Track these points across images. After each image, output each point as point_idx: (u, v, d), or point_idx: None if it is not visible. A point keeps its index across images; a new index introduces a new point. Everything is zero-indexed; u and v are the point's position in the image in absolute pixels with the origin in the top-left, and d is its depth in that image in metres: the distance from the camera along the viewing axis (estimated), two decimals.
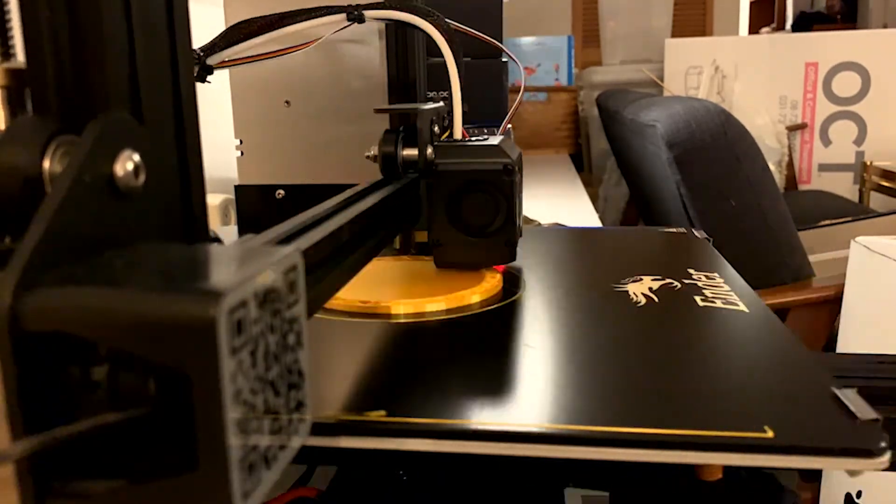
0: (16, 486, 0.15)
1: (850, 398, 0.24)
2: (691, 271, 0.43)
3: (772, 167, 1.42)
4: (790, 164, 2.05)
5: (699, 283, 0.40)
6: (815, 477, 0.97)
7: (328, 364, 0.31)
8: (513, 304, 0.38)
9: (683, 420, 0.24)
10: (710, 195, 1.12)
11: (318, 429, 0.24)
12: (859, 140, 2.03)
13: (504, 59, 0.93)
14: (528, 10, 2.21)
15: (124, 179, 0.17)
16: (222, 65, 0.36)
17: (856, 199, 1.97)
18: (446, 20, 0.41)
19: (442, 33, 0.40)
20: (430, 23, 0.39)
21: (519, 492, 0.29)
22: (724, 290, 0.39)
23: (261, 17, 0.37)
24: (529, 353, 0.31)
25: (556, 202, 1.19)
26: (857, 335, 0.96)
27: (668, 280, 0.41)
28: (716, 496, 0.27)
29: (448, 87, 0.44)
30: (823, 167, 2.07)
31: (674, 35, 2.33)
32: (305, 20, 0.37)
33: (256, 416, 0.16)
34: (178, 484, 0.15)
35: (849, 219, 1.51)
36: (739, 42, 2.20)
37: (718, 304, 0.37)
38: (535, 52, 1.99)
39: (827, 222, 1.49)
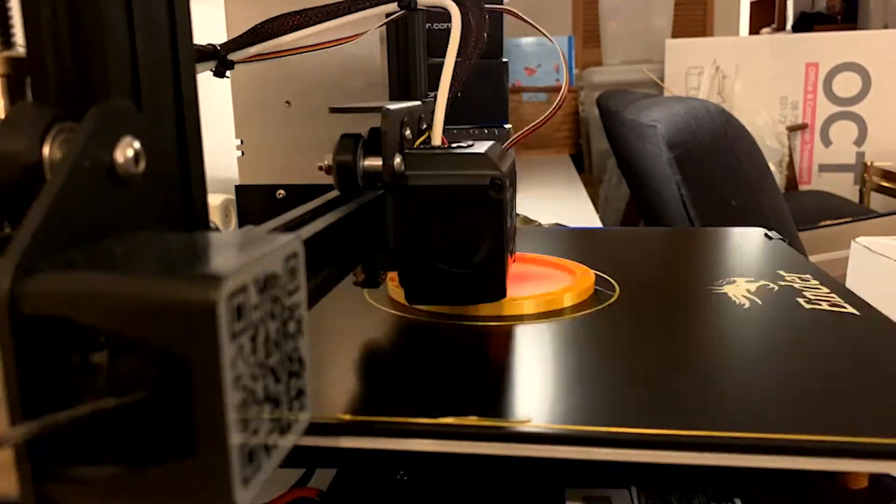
0: (15, 471, 0.15)
1: None
2: (782, 272, 0.42)
3: (772, 167, 1.42)
4: (791, 165, 2.05)
5: (795, 286, 0.40)
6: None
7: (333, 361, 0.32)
8: (610, 307, 0.37)
9: (825, 425, 0.23)
10: (711, 195, 1.12)
11: (319, 429, 0.24)
12: (860, 140, 2.03)
13: (504, 60, 0.93)
14: (529, 10, 2.20)
15: (124, 166, 0.17)
16: (251, 59, 0.34)
17: (856, 199, 1.97)
18: (485, 6, 0.37)
19: (465, 26, 0.36)
20: (462, 12, 0.35)
21: (519, 492, 0.29)
22: (824, 292, 0.38)
23: (298, 10, 0.33)
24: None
25: (556, 203, 1.18)
26: None
27: (763, 282, 0.40)
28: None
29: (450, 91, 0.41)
30: (824, 167, 2.07)
31: (674, 35, 2.33)
32: (355, 11, 0.33)
33: (257, 403, 0.16)
34: (177, 469, 0.15)
35: (849, 219, 1.50)
36: (740, 42, 2.20)
37: (824, 306, 0.36)
38: (536, 52, 1.99)
39: (827, 223, 1.49)
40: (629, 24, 2.36)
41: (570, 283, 0.39)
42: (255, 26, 0.34)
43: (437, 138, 0.34)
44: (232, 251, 0.16)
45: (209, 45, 0.33)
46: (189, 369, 0.14)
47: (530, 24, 0.42)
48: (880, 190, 1.87)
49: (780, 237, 0.52)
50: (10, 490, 0.14)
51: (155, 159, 0.18)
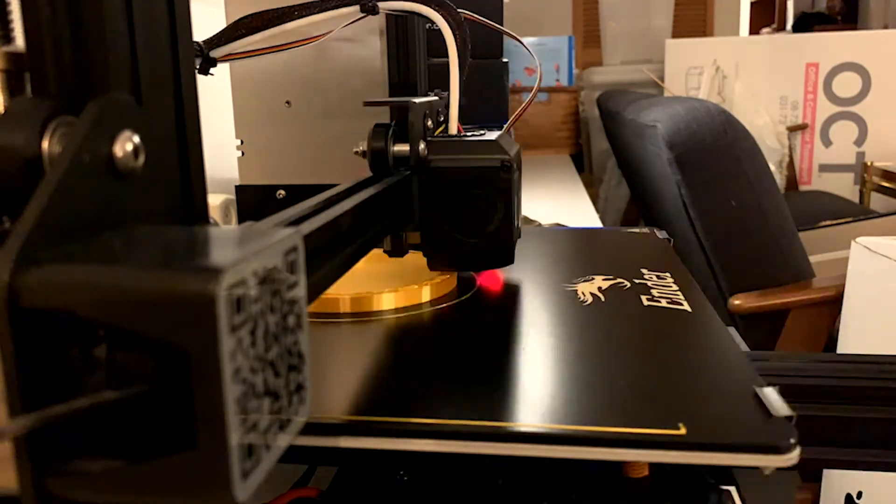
0: (14, 465, 0.15)
1: (769, 396, 0.25)
2: (644, 271, 0.43)
3: (772, 168, 1.42)
4: (791, 165, 2.05)
5: (648, 283, 0.41)
6: (815, 477, 0.97)
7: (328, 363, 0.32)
8: (464, 302, 0.39)
9: (605, 417, 0.24)
10: (711, 196, 1.12)
11: (319, 429, 0.24)
12: (860, 141, 2.03)
13: (504, 60, 0.93)
14: (529, 10, 2.21)
15: (123, 160, 0.17)
16: (228, 58, 0.35)
17: (856, 199, 1.97)
18: (459, 11, 0.40)
19: (451, 25, 0.39)
20: (441, 14, 0.38)
21: (520, 492, 0.29)
22: (672, 290, 0.39)
23: (271, 9, 0.36)
24: (464, 352, 0.32)
25: (556, 203, 1.19)
26: (858, 336, 0.96)
27: (619, 280, 0.41)
28: (641, 493, 0.27)
29: (448, 89, 0.43)
30: (824, 168, 2.07)
31: (674, 35, 2.33)
32: (318, 13, 0.36)
33: (256, 396, 0.16)
34: (177, 462, 0.15)
35: (849, 219, 1.51)
36: (740, 42, 2.20)
37: (663, 303, 0.37)
38: (536, 52, 1.99)
39: (827, 223, 1.49)
40: (629, 24, 2.36)
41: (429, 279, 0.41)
42: (232, 24, 0.35)
43: (453, 127, 0.40)
44: (232, 245, 0.16)
45: (194, 42, 0.34)
46: (189, 362, 0.14)
47: (502, 30, 0.45)
48: (880, 190, 1.87)
49: (667, 237, 0.53)
50: (9, 484, 0.14)
51: (154, 153, 0.18)
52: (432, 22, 0.39)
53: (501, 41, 0.95)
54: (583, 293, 0.39)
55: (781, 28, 2.90)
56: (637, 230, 0.56)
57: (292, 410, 0.18)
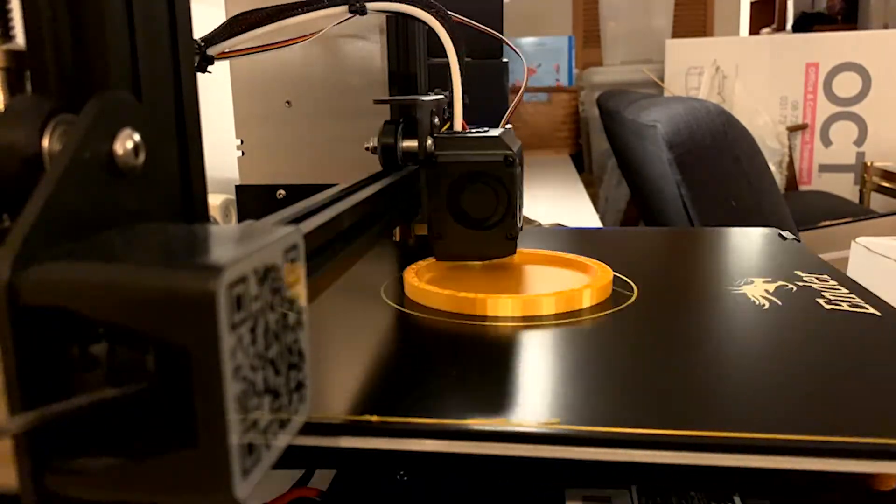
0: (14, 463, 0.15)
1: None
2: (799, 273, 0.42)
3: (772, 168, 1.42)
4: (791, 165, 2.05)
5: (813, 286, 0.39)
6: None
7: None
8: (628, 308, 0.37)
9: (852, 427, 0.23)
10: (711, 196, 1.12)
11: (319, 429, 0.24)
12: (860, 141, 2.03)
13: (504, 60, 0.93)
14: (529, 10, 2.21)
15: (124, 158, 0.17)
16: (223, 55, 0.36)
17: (856, 199, 1.97)
18: (448, 13, 0.41)
19: (443, 25, 0.40)
20: (432, 14, 0.39)
21: (520, 492, 0.28)
22: (844, 293, 0.38)
23: (262, 8, 0.36)
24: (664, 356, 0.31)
25: (556, 203, 1.19)
26: None
27: (781, 282, 0.40)
28: None
29: (448, 88, 0.43)
30: (824, 168, 2.07)
31: (674, 35, 2.33)
32: (307, 12, 0.37)
33: (256, 394, 0.16)
34: (177, 460, 0.15)
35: (849, 219, 1.50)
36: (740, 42, 2.20)
37: (844, 306, 0.36)
38: (536, 52, 1.99)
39: (827, 223, 1.49)
40: (629, 24, 2.36)
41: (587, 282, 0.39)
42: (228, 21, 0.36)
43: (458, 125, 0.42)
44: (232, 242, 0.16)
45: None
46: (189, 360, 0.14)
47: (490, 32, 0.48)
48: (880, 190, 1.87)
49: (795, 238, 0.51)
50: (9, 482, 0.14)
51: (155, 151, 0.18)
52: (424, 22, 0.40)
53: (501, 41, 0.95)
54: (754, 297, 0.38)
55: (781, 28, 2.90)
56: (758, 230, 0.54)
57: (292, 409, 0.18)
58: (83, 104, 0.16)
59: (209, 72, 0.35)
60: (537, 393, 0.27)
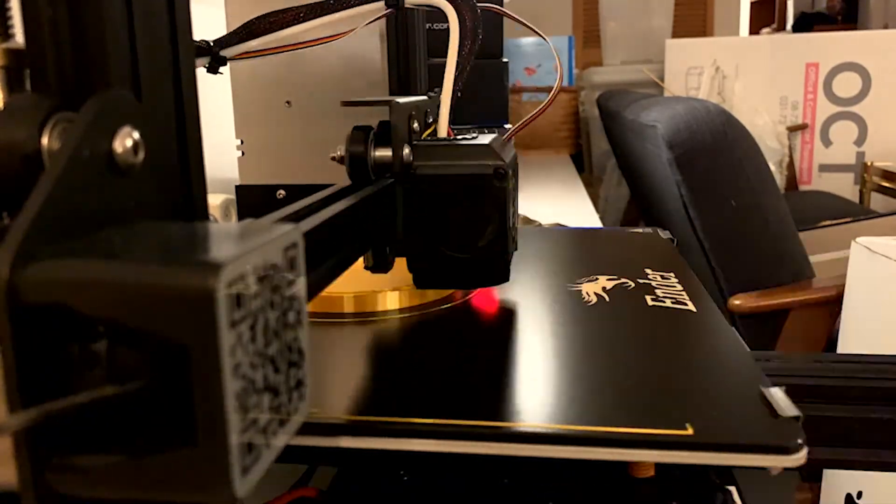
0: (14, 461, 0.14)
1: (776, 397, 0.25)
2: (648, 271, 0.43)
3: (772, 168, 1.42)
4: (791, 165, 2.05)
5: (653, 283, 0.41)
6: (815, 477, 0.97)
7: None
8: (467, 303, 0.38)
9: (611, 417, 0.24)
10: (711, 196, 1.12)
11: (319, 429, 0.24)
12: (860, 141, 2.03)
13: (505, 60, 0.93)
14: (529, 10, 2.21)
15: (123, 156, 0.17)
16: (242, 56, 0.35)
17: (856, 199, 1.97)
18: (477, 5, 0.37)
19: (463, 21, 0.37)
20: (456, 9, 0.36)
21: (525, 492, 0.29)
22: (677, 290, 0.39)
23: (291, 7, 0.34)
24: (469, 353, 0.32)
25: (556, 203, 1.19)
26: (858, 336, 0.96)
27: (624, 280, 0.41)
28: (647, 493, 0.27)
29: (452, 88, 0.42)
30: (824, 168, 2.07)
31: (674, 35, 2.33)
32: (341, 9, 0.34)
33: (256, 392, 0.16)
34: (177, 458, 0.15)
35: (849, 219, 1.51)
36: (740, 42, 2.20)
37: (668, 303, 0.37)
38: (536, 52, 1.99)
39: (827, 223, 1.49)
40: (629, 24, 2.36)
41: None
42: (247, 22, 0.34)
43: (442, 130, 0.37)
44: (231, 240, 0.16)
45: (202, 41, 0.33)
46: (188, 357, 0.14)
47: (522, 22, 0.43)
48: (880, 190, 1.87)
49: (670, 237, 0.53)
50: (9, 479, 0.14)
51: (154, 149, 0.18)
52: (442, 21, 0.37)
53: (501, 41, 0.95)
54: (587, 293, 0.39)
55: (781, 28, 2.91)
56: (640, 230, 0.56)
57: (292, 407, 0.18)
58: (83, 102, 0.16)
59: (220, 73, 0.34)
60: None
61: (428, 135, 0.37)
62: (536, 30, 0.44)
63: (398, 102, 0.33)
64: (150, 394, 0.15)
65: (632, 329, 0.35)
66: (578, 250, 0.54)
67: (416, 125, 0.35)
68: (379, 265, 0.34)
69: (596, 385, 0.28)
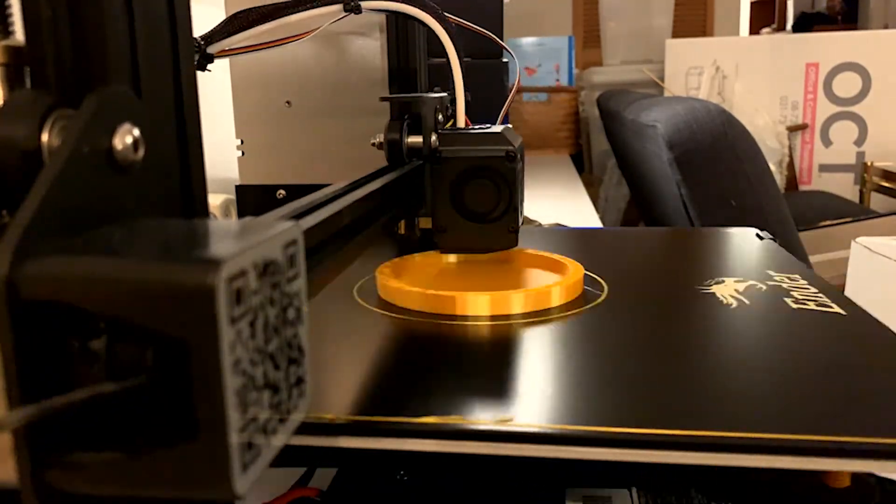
0: (14, 457, 0.14)
1: None
2: (771, 272, 0.42)
3: (772, 168, 1.42)
4: (791, 165, 2.05)
5: (784, 285, 0.40)
6: None
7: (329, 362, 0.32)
8: (598, 307, 0.37)
9: (815, 426, 0.23)
10: (711, 196, 1.12)
11: (319, 429, 0.24)
12: (860, 141, 2.03)
13: (504, 60, 0.93)
14: (529, 10, 2.21)
15: (123, 153, 0.17)
16: (223, 53, 0.36)
17: (856, 199, 1.97)
18: (444, 13, 0.41)
19: (439, 23, 0.40)
20: (428, 13, 0.40)
21: (520, 492, 0.29)
22: (812, 292, 0.38)
23: (260, 6, 0.37)
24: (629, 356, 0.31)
25: (556, 203, 1.19)
26: None
27: (752, 282, 0.40)
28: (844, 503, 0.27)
29: (448, 88, 0.44)
30: (824, 168, 2.07)
31: (674, 35, 2.33)
32: (303, 10, 0.37)
33: (256, 389, 0.16)
34: (177, 455, 0.15)
35: (849, 219, 1.50)
36: (740, 42, 2.20)
37: (811, 305, 0.36)
38: (536, 52, 1.99)
39: (827, 223, 1.49)
40: (629, 24, 2.36)
41: (558, 280, 0.39)
42: (228, 19, 0.36)
43: (461, 121, 0.44)
44: (231, 237, 0.16)
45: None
46: (188, 353, 0.14)
47: (482, 31, 0.49)
48: (880, 190, 1.87)
49: (771, 237, 0.52)
50: (8, 476, 0.14)
51: (154, 146, 0.18)
52: (421, 21, 0.41)
53: (501, 41, 0.95)
54: (723, 296, 0.38)
55: (781, 28, 2.91)
56: (737, 230, 0.55)
57: (292, 404, 0.18)
58: (82, 99, 0.16)
59: (209, 70, 0.35)
60: (528, 391, 0.27)
61: (449, 125, 0.44)
62: (494, 36, 0.49)
63: (427, 97, 0.41)
64: (149, 390, 0.15)
65: (787, 333, 0.33)
66: (681, 251, 0.53)
67: (440, 116, 0.42)
68: (409, 230, 0.44)
69: (784, 390, 0.27)
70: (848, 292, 1.00)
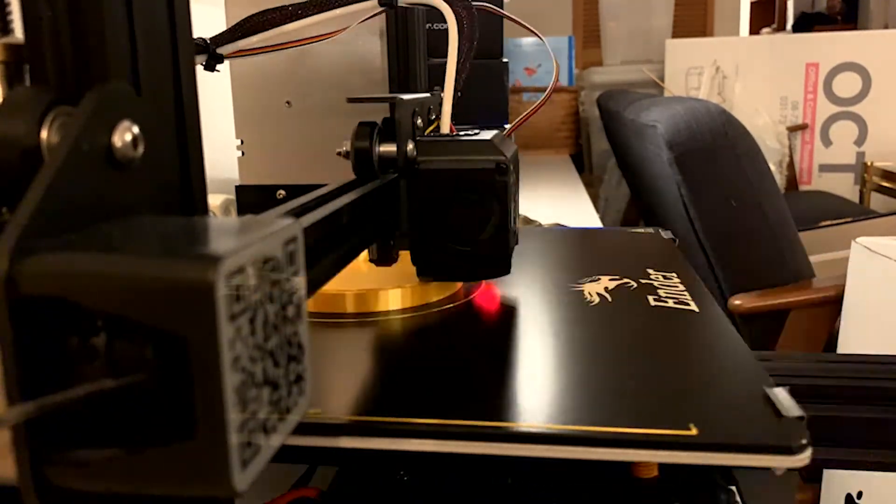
0: (13, 454, 0.14)
1: (780, 397, 0.25)
2: (650, 271, 0.43)
3: (772, 168, 1.42)
4: (791, 165, 2.05)
5: (655, 283, 0.41)
6: (815, 477, 0.97)
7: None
8: (468, 303, 0.38)
9: (614, 418, 0.24)
10: (711, 196, 1.12)
11: (319, 429, 0.24)
12: (860, 141, 2.03)
13: (504, 60, 0.93)
14: (529, 10, 2.21)
15: (122, 150, 0.17)
16: (238, 54, 0.35)
17: (856, 199, 1.97)
18: (472, 3, 0.38)
19: (460, 21, 0.37)
20: (453, 9, 0.37)
21: (527, 492, 0.29)
22: (679, 290, 0.39)
23: (286, 6, 0.34)
24: (473, 353, 0.32)
25: (556, 203, 1.19)
26: (858, 336, 0.96)
27: (626, 280, 0.41)
28: (651, 494, 0.27)
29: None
30: (824, 168, 2.07)
31: (674, 35, 2.33)
32: (335, 8, 0.34)
33: (255, 385, 0.16)
34: (177, 451, 0.15)
35: (849, 219, 1.51)
36: (740, 42, 2.20)
37: (670, 303, 0.37)
38: (536, 52, 1.99)
39: (827, 223, 1.49)
40: (629, 24, 2.37)
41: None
42: (243, 20, 0.35)
43: (445, 126, 0.37)
44: (231, 234, 0.16)
45: (199, 38, 0.33)
46: (187, 350, 0.14)
47: (519, 22, 0.44)
48: (880, 190, 1.87)
49: (672, 237, 0.53)
50: (8, 473, 0.14)
51: (154, 144, 0.18)
52: (442, 21, 0.37)
53: (501, 41, 0.95)
54: (589, 293, 0.39)
55: (781, 28, 2.91)
56: (641, 230, 0.56)
57: (292, 401, 0.18)
58: (82, 96, 0.16)
59: (218, 70, 0.34)
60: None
61: (431, 131, 0.38)
62: (533, 29, 0.44)
63: (402, 99, 0.34)
64: (149, 387, 0.15)
65: (634, 329, 0.35)
66: (580, 250, 0.54)
67: (419, 121, 0.36)
68: (383, 258, 0.35)
69: (598, 385, 0.28)
70: (848, 292, 1.00)
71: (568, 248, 0.54)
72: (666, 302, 0.37)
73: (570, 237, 0.59)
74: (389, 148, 0.34)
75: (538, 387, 0.27)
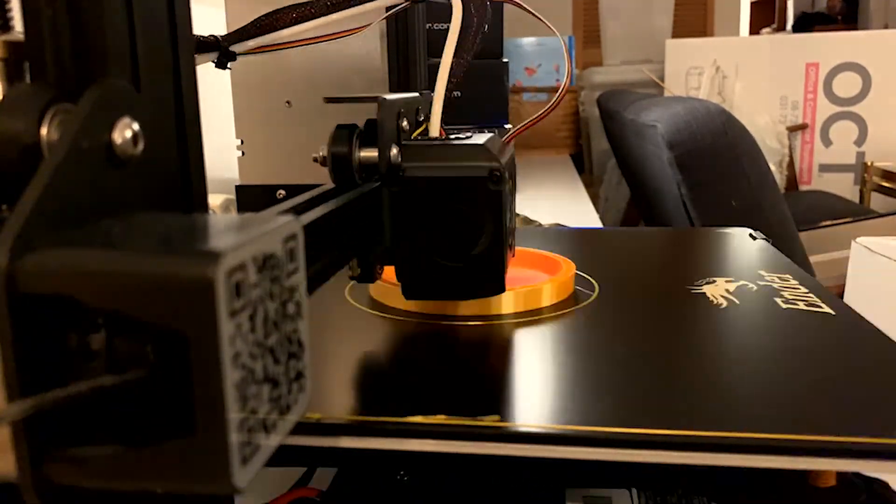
0: (12, 451, 0.14)
1: None
2: (762, 272, 0.42)
3: (772, 168, 1.42)
4: (791, 165, 2.05)
5: (774, 285, 0.40)
6: None
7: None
8: (589, 307, 0.37)
9: (804, 426, 0.24)
10: (711, 196, 1.12)
11: (319, 429, 0.24)
12: (860, 141, 2.03)
13: (505, 60, 0.93)
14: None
15: (122, 147, 0.17)
16: (255, 51, 0.34)
17: (856, 199, 1.97)
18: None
19: (467, 14, 0.36)
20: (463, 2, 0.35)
21: (520, 492, 0.29)
22: (802, 292, 0.38)
23: (306, 2, 0.33)
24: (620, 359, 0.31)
25: (556, 203, 1.19)
26: None
27: (743, 282, 0.40)
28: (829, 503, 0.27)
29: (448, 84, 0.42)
30: (824, 168, 2.07)
31: (674, 35, 2.33)
32: (361, 3, 0.32)
33: (255, 382, 0.16)
34: (176, 448, 0.15)
35: (849, 219, 1.51)
36: (740, 42, 2.20)
37: (801, 305, 0.36)
38: (536, 52, 1.99)
39: (827, 223, 1.49)
40: (629, 24, 2.37)
41: (548, 279, 0.39)
42: (258, 18, 0.34)
43: (434, 129, 0.34)
44: (231, 231, 0.16)
45: (211, 36, 0.33)
46: (187, 347, 0.14)
47: (535, 14, 0.42)
48: (880, 190, 1.87)
49: (765, 237, 0.52)
50: (8, 470, 0.14)
51: (154, 141, 0.18)
52: (443, 21, 0.36)
53: (501, 41, 0.95)
54: (712, 296, 0.38)
55: (781, 28, 2.91)
56: (728, 230, 0.55)
57: (292, 398, 0.18)
58: (82, 93, 0.16)
59: (229, 68, 0.34)
60: (521, 391, 0.28)
61: (418, 134, 0.34)
62: (549, 24, 0.43)
63: (385, 99, 0.30)
64: (149, 384, 0.15)
65: (785, 334, 0.33)
66: (675, 251, 0.53)
67: (405, 123, 0.32)
68: (365, 275, 0.31)
69: (772, 390, 0.27)
70: (848, 292, 0.99)
71: (659, 250, 0.54)
72: (795, 304, 0.36)
73: (659, 237, 0.58)
74: (371, 153, 0.30)
75: (711, 393, 0.27)
